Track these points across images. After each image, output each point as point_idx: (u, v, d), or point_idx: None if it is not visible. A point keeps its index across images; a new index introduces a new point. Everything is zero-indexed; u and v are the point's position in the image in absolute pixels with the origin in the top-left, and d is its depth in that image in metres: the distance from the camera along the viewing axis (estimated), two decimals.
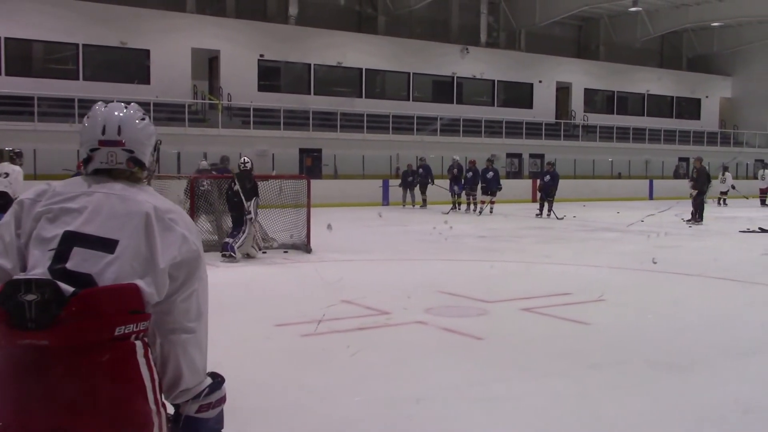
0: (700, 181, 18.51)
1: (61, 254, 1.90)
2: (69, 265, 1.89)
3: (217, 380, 2.15)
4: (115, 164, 2.08)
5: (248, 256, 10.75)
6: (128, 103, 2.20)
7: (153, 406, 1.93)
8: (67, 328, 1.79)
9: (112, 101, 2.20)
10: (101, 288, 1.86)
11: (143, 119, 2.16)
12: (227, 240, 10.60)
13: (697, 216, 18.18)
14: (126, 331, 1.86)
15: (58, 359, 1.80)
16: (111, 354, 1.85)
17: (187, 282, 2.03)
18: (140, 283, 1.91)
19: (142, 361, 1.91)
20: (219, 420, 2.15)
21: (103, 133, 2.07)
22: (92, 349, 1.82)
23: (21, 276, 1.86)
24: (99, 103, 2.16)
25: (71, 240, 1.92)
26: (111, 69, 25.05)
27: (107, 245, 1.92)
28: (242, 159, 11.12)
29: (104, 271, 1.89)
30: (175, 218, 2.05)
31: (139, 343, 1.91)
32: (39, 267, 1.90)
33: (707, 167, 19.06)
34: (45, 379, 1.80)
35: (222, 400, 2.15)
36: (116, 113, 2.12)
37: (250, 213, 10.62)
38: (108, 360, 1.84)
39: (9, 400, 1.83)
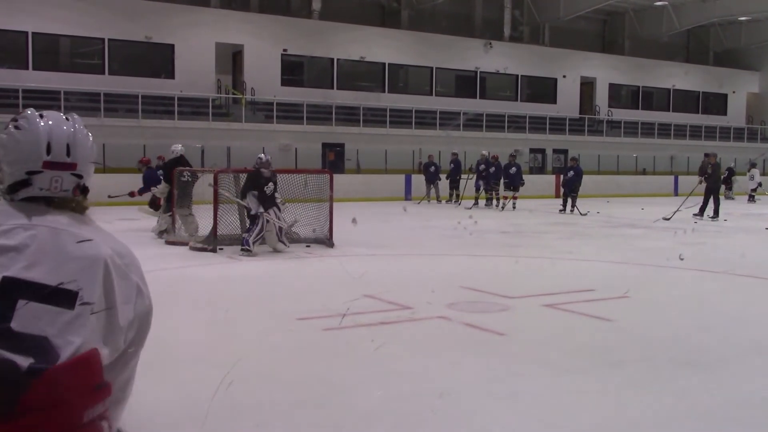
0: (714, 177, 18.23)
1: (2, 309, 1.45)
2: (15, 325, 1.44)
3: None
4: (60, 192, 1.64)
5: (275, 251, 10.78)
6: (68, 115, 1.76)
7: None
8: (28, 420, 1.38)
9: (50, 109, 1.76)
10: (68, 364, 1.44)
11: (89, 134, 1.72)
12: (244, 235, 10.70)
13: (713, 212, 17.89)
14: (95, 414, 1.47)
15: None
16: None
17: (134, 343, 1.64)
18: (101, 347, 1.52)
19: None
20: None
21: (48, 152, 1.62)
22: None
23: None
24: (30, 110, 1.69)
25: (13, 289, 1.47)
26: (136, 63, 25.32)
27: (64, 298, 1.49)
28: (260, 155, 11.02)
29: (64, 332, 1.46)
30: (128, 263, 1.66)
31: (105, 425, 1.52)
32: None
33: (733, 164, 18.83)
34: None
35: None
36: (63, 128, 1.66)
37: (252, 209, 10.55)
38: None
39: None
